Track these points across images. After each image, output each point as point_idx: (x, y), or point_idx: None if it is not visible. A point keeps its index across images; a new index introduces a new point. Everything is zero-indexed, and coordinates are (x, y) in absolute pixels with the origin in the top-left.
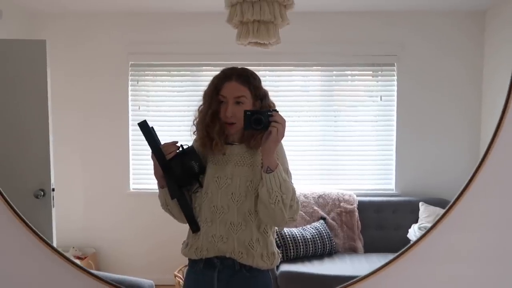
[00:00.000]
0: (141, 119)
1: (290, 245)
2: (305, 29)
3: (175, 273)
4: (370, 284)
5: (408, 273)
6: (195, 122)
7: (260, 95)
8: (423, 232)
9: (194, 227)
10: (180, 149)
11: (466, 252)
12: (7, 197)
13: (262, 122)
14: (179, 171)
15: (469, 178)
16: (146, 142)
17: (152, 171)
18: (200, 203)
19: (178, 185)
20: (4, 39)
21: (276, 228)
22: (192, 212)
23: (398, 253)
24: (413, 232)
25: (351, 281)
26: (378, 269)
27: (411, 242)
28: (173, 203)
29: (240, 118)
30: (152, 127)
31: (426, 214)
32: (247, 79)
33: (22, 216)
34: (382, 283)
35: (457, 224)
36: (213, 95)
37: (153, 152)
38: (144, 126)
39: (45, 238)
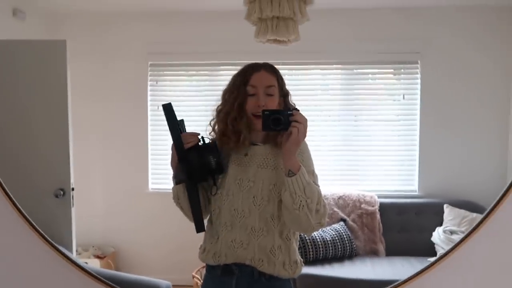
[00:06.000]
0: (160, 119)
1: (310, 247)
2: (324, 26)
3: (193, 274)
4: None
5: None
6: (212, 123)
7: (284, 91)
8: (448, 235)
9: (198, 226)
10: (201, 141)
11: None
12: (12, 196)
13: (282, 122)
14: (194, 163)
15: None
16: (165, 142)
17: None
18: (220, 205)
19: (196, 178)
20: (25, 40)
21: (303, 234)
22: (200, 209)
23: (443, 254)
24: (438, 235)
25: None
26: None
27: (450, 247)
28: (184, 197)
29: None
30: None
31: (451, 216)
32: (274, 69)
33: (27, 215)
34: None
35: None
36: (241, 86)
37: (172, 136)
38: (168, 109)
39: (49, 239)
